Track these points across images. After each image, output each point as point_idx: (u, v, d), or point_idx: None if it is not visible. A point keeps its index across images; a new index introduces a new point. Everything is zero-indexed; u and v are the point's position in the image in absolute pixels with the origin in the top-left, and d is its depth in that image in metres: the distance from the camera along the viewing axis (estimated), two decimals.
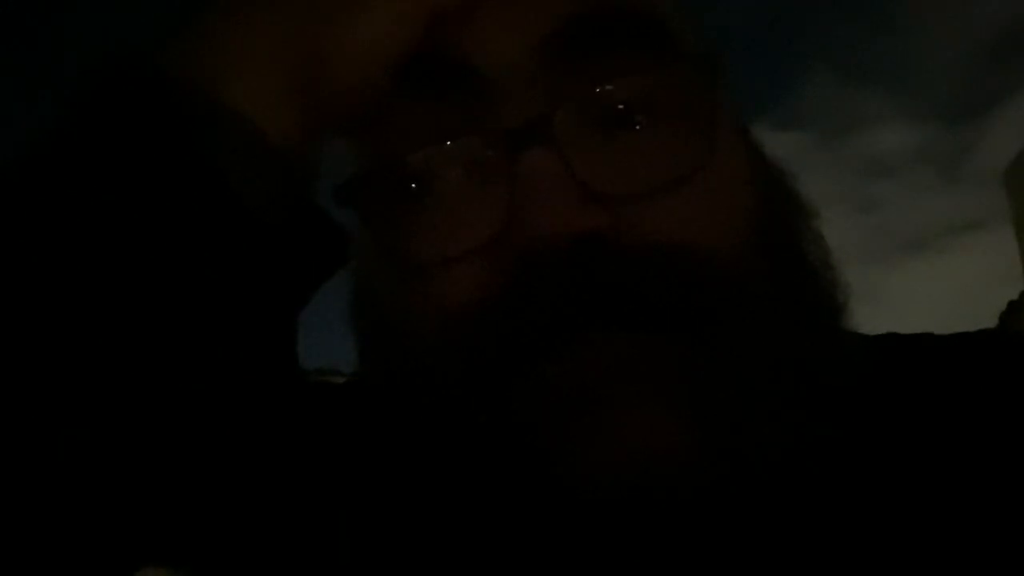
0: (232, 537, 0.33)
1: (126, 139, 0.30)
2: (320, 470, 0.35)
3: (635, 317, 0.30)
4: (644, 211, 0.31)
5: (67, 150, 0.31)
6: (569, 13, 0.32)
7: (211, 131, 0.30)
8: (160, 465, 0.29)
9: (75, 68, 0.33)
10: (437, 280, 0.32)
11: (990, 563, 0.32)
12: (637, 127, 0.32)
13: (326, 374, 0.42)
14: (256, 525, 0.33)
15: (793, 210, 0.36)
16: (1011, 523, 0.32)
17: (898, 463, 0.34)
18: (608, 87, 0.32)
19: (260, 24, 0.32)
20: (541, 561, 0.30)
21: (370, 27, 0.31)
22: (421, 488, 0.33)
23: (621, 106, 0.32)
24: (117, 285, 0.28)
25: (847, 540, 0.33)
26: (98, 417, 0.28)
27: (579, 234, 0.30)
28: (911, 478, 0.34)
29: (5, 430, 0.27)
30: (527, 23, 0.32)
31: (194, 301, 0.29)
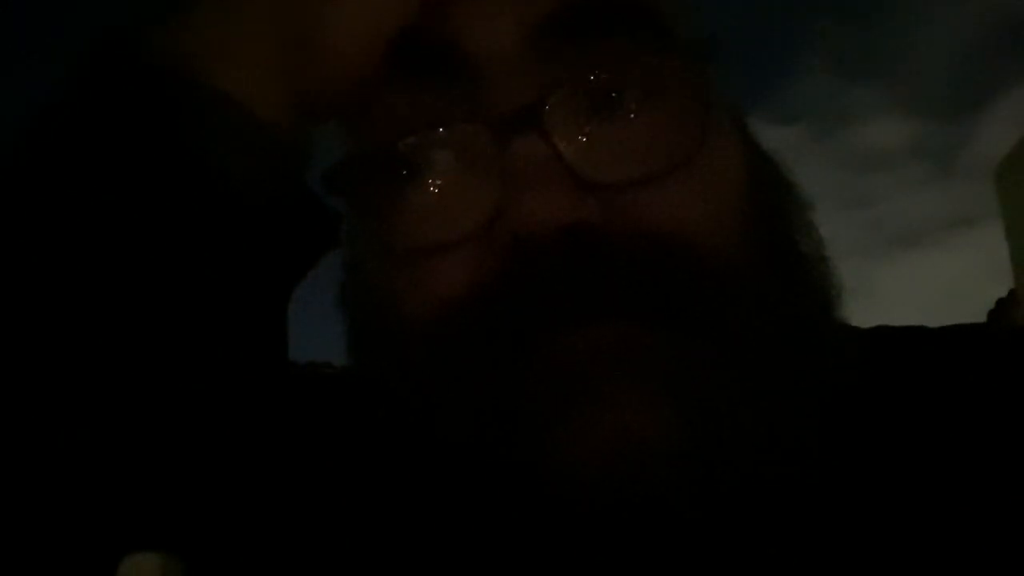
0: (221, 524, 0.33)
1: (114, 125, 0.30)
2: (310, 459, 0.35)
3: (626, 307, 0.30)
4: (636, 200, 0.31)
5: (53, 137, 0.30)
6: None
7: (199, 115, 0.30)
8: (148, 452, 0.29)
9: (62, 53, 0.33)
10: (426, 267, 0.32)
11: (986, 560, 0.32)
12: (630, 115, 0.32)
13: (318, 367, 0.42)
14: (245, 513, 0.33)
15: (787, 201, 0.36)
16: (1005, 518, 0.32)
17: (890, 456, 0.34)
18: (601, 74, 0.31)
19: (249, 7, 0.32)
20: (531, 551, 0.30)
21: (360, 10, 0.31)
22: (411, 478, 0.33)
23: (614, 93, 0.32)
24: (104, 271, 0.28)
25: (838, 534, 0.33)
26: (85, 404, 0.28)
27: (570, 224, 0.29)
28: (903, 471, 0.34)
29: None
30: (519, 8, 0.32)
31: (182, 285, 0.29)
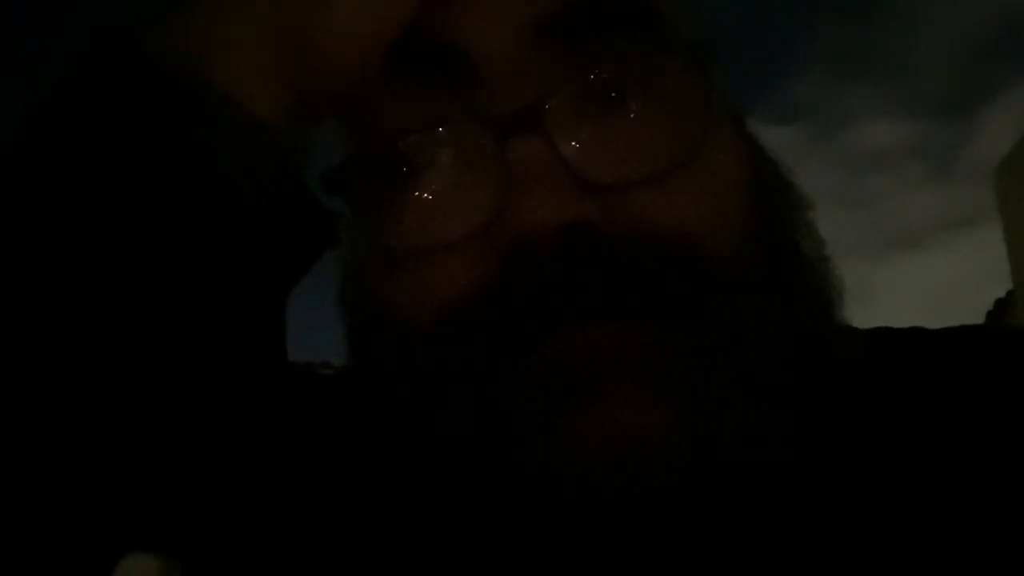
0: (219, 526, 0.33)
1: (112, 124, 0.30)
2: (308, 460, 0.35)
3: (626, 306, 0.30)
4: (636, 199, 0.31)
5: (52, 136, 0.30)
6: None
7: (198, 113, 0.30)
8: (147, 452, 0.29)
9: (61, 52, 0.33)
10: (426, 268, 0.32)
11: (986, 560, 0.32)
12: (630, 115, 0.32)
13: (316, 367, 0.42)
14: (243, 514, 0.33)
15: (788, 201, 0.36)
16: (1005, 518, 0.32)
17: (890, 457, 0.34)
18: (601, 74, 0.31)
19: (248, 6, 0.32)
20: (531, 551, 0.30)
21: (360, 10, 0.31)
22: (411, 478, 0.33)
23: (614, 93, 0.32)
24: (102, 270, 0.28)
25: (839, 534, 0.33)
26: (84, 404, 0.28)
27: (570, 224, 0.29)
28: (903, 472, 0.34)
29: None
30: (519, 8, 0.32)
31: (180, 285, 0.29)
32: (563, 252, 0.29)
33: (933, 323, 0.41)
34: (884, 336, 0.40)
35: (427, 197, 0.32)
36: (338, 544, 0.34)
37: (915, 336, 0.40)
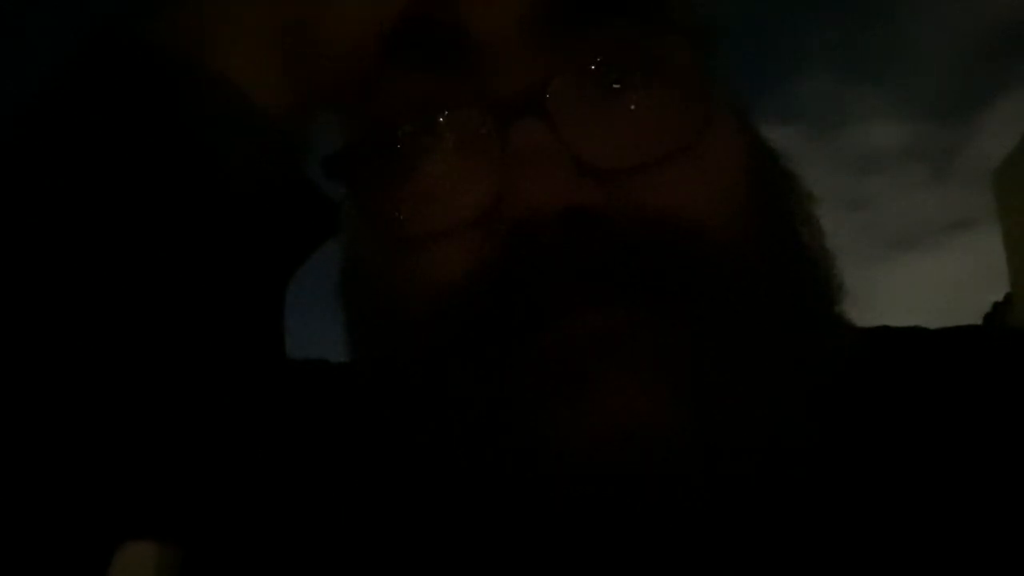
0: (216, 514, 0.33)
1: (112, 110, 0.30)
2: (305, 450, 0.35)
3: (626, 292, 0.30)
4: (637, 185, 0.31)
5: (51, 124, 0.30)
6: None
7: (197, 100, 0.30)
8: (144, 441, 0.29)
9: (61, 37, 0.33)
10: (427, 253, 0.32)
11: (983, 559, 0.32)
12: (631, 100, 0.32)
13: (312, 364, 0.42)
14: (241, 502, 0.33)
15: (788, 190, 0.36)
16: (999, 517, 0.32)
17: (887, 454, 0.34)
18: (603, 59, 0.31)
19: None
20: (527, 538, 0.30)
21: None
22: (407, 467, 0.33)
23: (616, 79, 0.32)
24: (97, 259, 0.28)
25: (834, 529, 0.33)
26: (82, 394, 0.28)
27: (571, 208, 0.29)
28: (899, 470, 0.34)
29: None
30: None
31: (177, 272, 0.29)
32: (562, 237, 0.29)
33: (931, 324, 0.41)
34: (883, 335, 0.40)
35: (428, 183, 0.32)
36: (334, 535, 0.34)
37: (914, 336, 0.40)
